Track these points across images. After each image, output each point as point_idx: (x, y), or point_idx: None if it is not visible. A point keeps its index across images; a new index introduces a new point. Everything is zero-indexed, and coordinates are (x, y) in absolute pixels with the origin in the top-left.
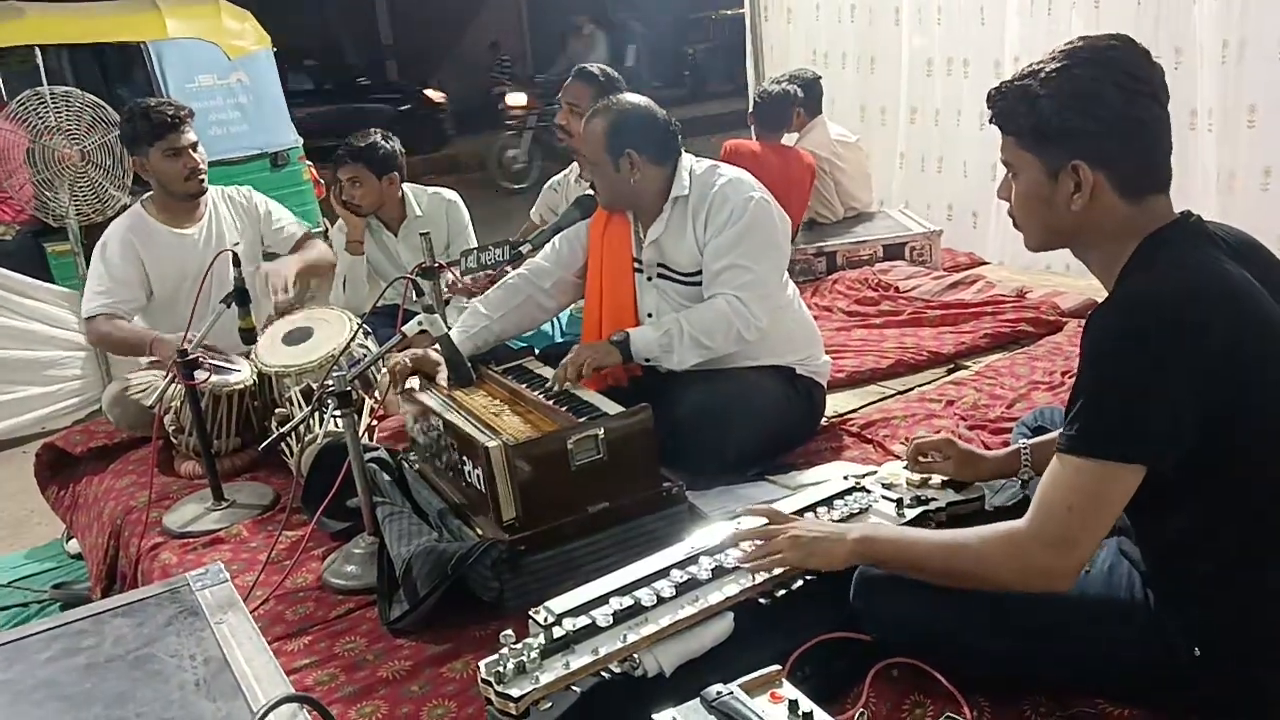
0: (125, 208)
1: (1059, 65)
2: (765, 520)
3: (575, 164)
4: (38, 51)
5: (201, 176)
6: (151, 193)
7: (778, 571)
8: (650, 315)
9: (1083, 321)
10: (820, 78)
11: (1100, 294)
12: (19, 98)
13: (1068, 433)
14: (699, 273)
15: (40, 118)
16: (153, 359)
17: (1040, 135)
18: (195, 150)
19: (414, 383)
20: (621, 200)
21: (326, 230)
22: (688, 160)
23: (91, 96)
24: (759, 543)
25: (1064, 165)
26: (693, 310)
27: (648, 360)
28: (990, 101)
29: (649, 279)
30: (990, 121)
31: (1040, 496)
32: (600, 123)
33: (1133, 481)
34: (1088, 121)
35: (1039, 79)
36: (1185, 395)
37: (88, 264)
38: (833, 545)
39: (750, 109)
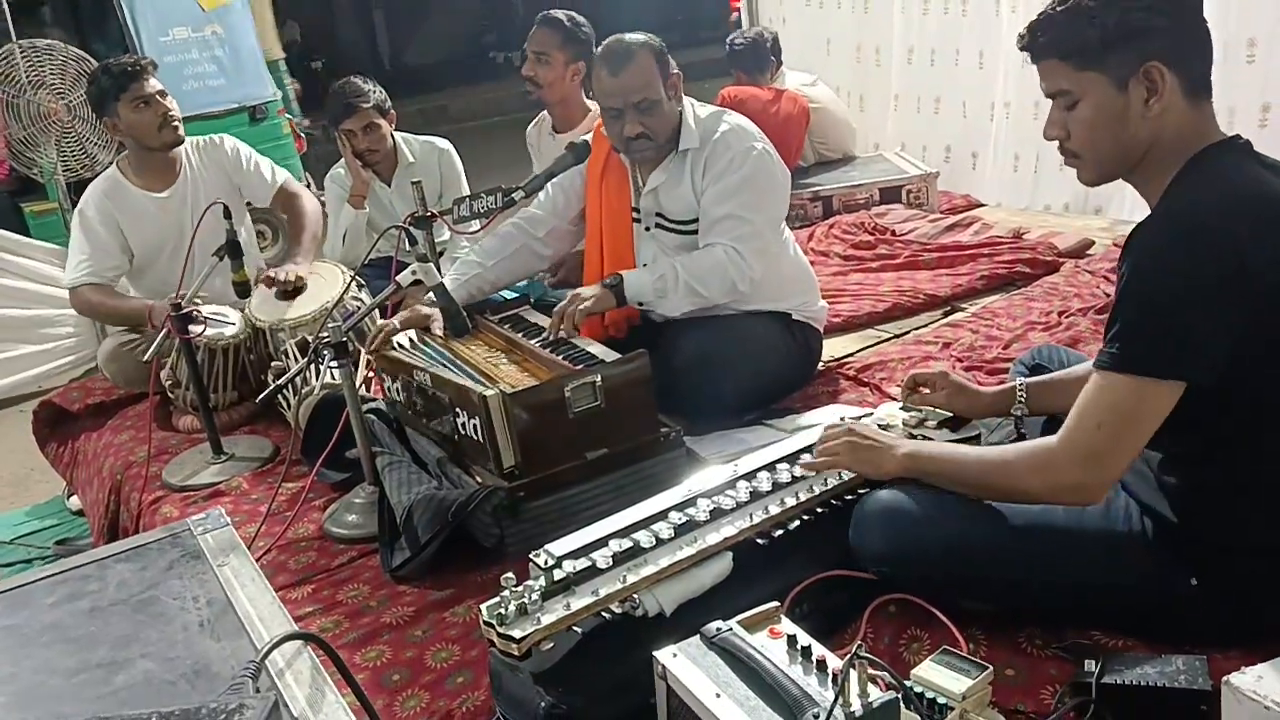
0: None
1: None
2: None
3: (545, 114)
4: (4, 4)
5: (175, 123)
6: (127, 153)
7: (832, 482)
8: (645, 266)
9: (1079, 262)
10: (777, 35)
11: (1100, 232)
12: None
13: (1107, 350)
14: (694, 221)
15: (23, 72)
16: (153, 326)
17: (1107, 46)
18: (164, 98)
19: (403, 339)
20: (670, 137)
21: (308, 185)
22: (690, 107)
23: (76, 50)
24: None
25: (1134, 71)
26: (688, 256)
27: (641, 305)
28: (1035, 33)
29: (647, 229)
30: (1037, 56)
31: (1074, 411)
32: (644, 56)
33: (1168, 400)
34: (1156, 18)
35: None
36: (1225, 310)
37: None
38: (884, 455)
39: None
